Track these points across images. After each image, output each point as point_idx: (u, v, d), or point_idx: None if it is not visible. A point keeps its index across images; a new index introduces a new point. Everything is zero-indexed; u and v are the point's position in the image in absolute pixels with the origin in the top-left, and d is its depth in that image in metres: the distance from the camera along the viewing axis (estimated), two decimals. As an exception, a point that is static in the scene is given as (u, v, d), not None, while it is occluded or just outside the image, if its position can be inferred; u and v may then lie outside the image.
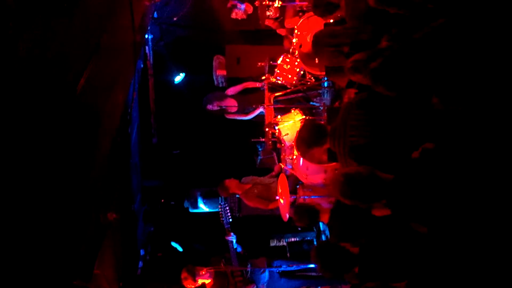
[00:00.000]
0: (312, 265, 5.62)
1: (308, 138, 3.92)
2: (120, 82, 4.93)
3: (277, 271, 5.61)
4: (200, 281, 5.42)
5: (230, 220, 5.63)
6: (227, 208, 5.68)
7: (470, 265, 2.55)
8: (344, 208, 3.05)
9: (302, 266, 5.63)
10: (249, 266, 5.48)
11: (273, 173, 6.54)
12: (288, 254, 6.28)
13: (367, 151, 3.23)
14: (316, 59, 5.21)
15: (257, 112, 6.72)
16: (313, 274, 5.72)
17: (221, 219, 5.65)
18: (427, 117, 2.90)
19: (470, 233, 2.59)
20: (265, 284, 5.59)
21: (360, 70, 3.23)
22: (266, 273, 5.59)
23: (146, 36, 7.28)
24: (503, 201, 2.51)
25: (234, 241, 5.63)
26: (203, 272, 5.42)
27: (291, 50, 5.90)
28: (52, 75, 3.29)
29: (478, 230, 2.56)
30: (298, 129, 4.25)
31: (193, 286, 5.45)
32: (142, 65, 7.35)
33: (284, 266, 5.59)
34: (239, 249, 5.74)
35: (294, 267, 5.63)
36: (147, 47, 7.50)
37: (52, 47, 3.29)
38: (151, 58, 7.67)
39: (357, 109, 3.41)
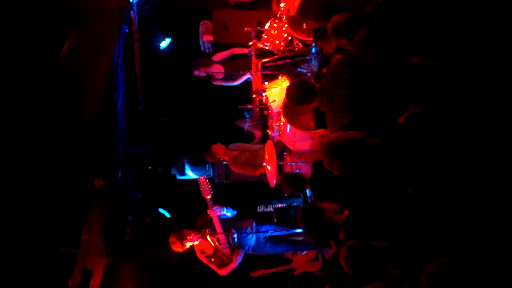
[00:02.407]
0: (298, 230, 5.69)
1: (296, 96, 3.90)
2: (104, 48, 4.85)
3: (264, 236, 5.66)
4: (188, 244, 5.45)
5: (212, 193, 5.56)
6: (207, 181, 5.55)
7: (454, 229, 2.60)
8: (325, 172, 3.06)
9: (289, 231, 5.69)
10: (234, 232, 5.50)
11: (256, 140, 6.53)
12: (275, 220, 6.35)
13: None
14: (304, 24, 5.15)
15: (244, 78, 6.67)
16: (300, 238, 5.79)
17: (202, 193, 5.52)
18: (415, 81, 2.89)
19: (455, 198, 2.63)
20: (251, 248, 5.64)
21: (341, 32, 3.20)
22: (253, 237, 5.64)
23: (131, 0, 7.13)
24: (489, 166, 2.54)
25: (224, 212, 5.62)
26: (191, 237, 5.45)
27: (278, 15, 5.81)
28: (35, 40, 3.23)
29: (463, 195, 2.60)
30: (285, 95, 4.23)
31: (181, 250, 5.50)
32: (127, 30, 7.23)
33: (271, 230, 5.64)
34: (233, 214, 5.73)
35: (281, 232, 5.68)
36: (132, 12, 7.35)
37: (35, 11, 3.21)
38: (136, 23, 7.53)
39: (346, 68, 3.39)
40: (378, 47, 2.80)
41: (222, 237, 5.44)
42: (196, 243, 5.49)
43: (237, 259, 5.48)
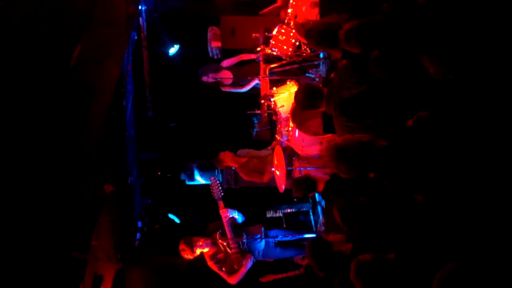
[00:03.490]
0: (308, 235, 5.68)
1: (304, 100, 3.91)
2: (113, 55, 4.88)
3: (274, 241, 5.66)
4: (198, 251, 5.47)
5: (222, 194, 5.60)
6: (218, 182, 5.63)
7: (463, 234, 2.59)
8: (339, 181, 3.06)
9: (298, 236, 5.68)
10: (244, 236, 5.51)
11: (270, 147, 6.54)
12: (284, 225, 6.34)
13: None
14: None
15: (252, 84, 6.68)
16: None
17: (213, 194, 5.61)
18: (422, 84, 2.89)
19: (464, 202, 2.61)
20: (261, 252, 5.64)
21: (351, 39, 3.21)
22: (263, 242, 5.64)
23: (140, 7, 7.18)
24: (498, 169, 2.52)
25: (235, 215, 5.65)
26: (201, 243, 5.46)
27: (286, 20, 5.83)
28: (45, 47, 3.26)
29: (472, 199, 2.58)
30: (293, 100, 4.24)
31: (191, 257, 5.50)
32: (136, 37, 7.27)
33: (280, 236, 5.64)
34: (242, 219, 5.75)
35: (290, 237, 5.68)
36: (140, 19, 7.39)
37: (44, 19, 3.25)
38: (145, 29, 7.58)
39: (352, 71, 3.40)
40: (390, 69, 2.81)
41: (232, 241, 5.45)
42: (206, 250, 5.50)
43: (247, 264, 5.48)
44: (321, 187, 4.48)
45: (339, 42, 3.40)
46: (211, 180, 5.64)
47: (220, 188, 5.60)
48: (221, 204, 5.55)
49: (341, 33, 3.35)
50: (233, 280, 5.51)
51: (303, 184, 4.48)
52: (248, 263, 5.50)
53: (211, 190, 5.61)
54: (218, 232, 5.52)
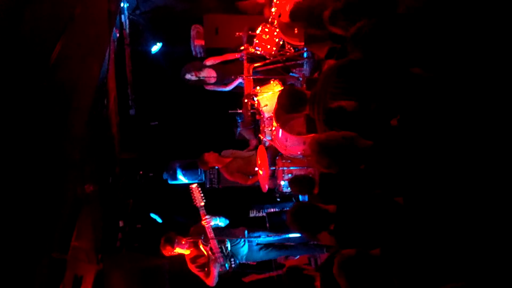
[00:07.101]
0: (291, 235, 5.67)
1: (287, 104, 3.90)
2: (95, 53, 4.82)
3: (256, 242, 5.63)
4: (178, 250, 5.41)
5: (204, 201, 5.46)
6: (199, 189, 5.48)
7: (445, 234, 2.60)
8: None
9: (282, 236, 5.67)
10: (227, 241, 5.47)
11: (250, 148, 6.52)
12: (267, 225, 6.33)
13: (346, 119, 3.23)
14: (296, 29, 5.16)
15: (236, 83, 6.66)
16: (292, 244, 5.78)
17: (194, 202, 5.46)
18: (406, 85, 2.90)
19: (446, 200, 2.63)
20: (244, 257, 5.61)
21: (337, 19, 3.19)
22: (246, 246, 5.61)
23: (122, 4, 7.11)
24: (481, 168, 2.54)
25: (217, 222, 5.58)
26: (183, 242, 5.41)
27: (270, 19, 5.82)
28: (24, 45, 3.20)
29: (455, 197, 2.60)
30: (276, 102, 4.22)
31: (170, 253, 5.45)
32: (118, 35, 7.20)
33: (263, 236, 5.63)
34: (225, 223, 5.70)
35: (273, 237, 5.66)
36: (123, 16, 7.33)
37: (23, 16, 3.19)
38: (127, 27, 7.51)
39: (337, 76, 3.40)
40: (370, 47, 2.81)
41: (215, 246, 5.40)
42: (187, 252, 5.45)
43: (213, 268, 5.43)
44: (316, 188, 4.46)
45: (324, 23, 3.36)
46: (191, 188, 5.48)
47: (202, 195, 5.48)
48: (203, 213, 5.44)
49: (326, 13, 3.31)
50: (209, 281, 5.46)
51: (304, 183, 4.44)
52: (214, 267, 5.41)
53: (192, 197, 5.49)
54: (200, 239, 5.44)
